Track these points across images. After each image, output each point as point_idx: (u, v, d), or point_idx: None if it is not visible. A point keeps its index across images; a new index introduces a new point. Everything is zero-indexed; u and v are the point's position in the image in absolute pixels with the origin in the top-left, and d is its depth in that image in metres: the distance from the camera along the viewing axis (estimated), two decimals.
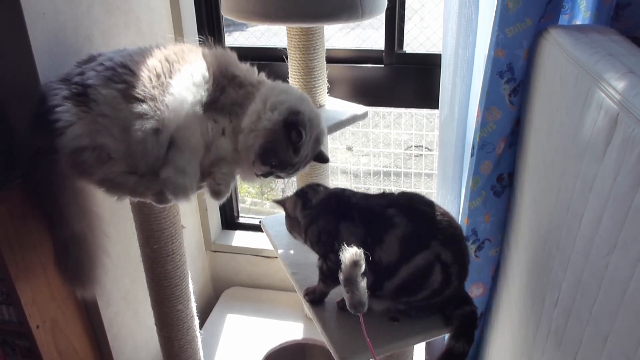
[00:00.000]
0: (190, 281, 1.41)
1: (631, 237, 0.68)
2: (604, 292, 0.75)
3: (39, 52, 1.16)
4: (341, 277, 0.95)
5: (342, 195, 1.14)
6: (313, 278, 1.23)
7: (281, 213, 1.28)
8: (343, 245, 0.94)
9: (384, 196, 1.12)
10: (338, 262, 0.95)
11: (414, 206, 1.08)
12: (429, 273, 1.03)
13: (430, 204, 1.09)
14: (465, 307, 1.08)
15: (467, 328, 1.07)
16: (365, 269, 0.94)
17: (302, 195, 1.18)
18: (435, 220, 1.07)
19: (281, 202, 1.22)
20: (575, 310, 0.85)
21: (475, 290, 1.48)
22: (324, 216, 1.11)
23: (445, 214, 1.09)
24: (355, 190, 1.16)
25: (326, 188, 1.18)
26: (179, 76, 1.11)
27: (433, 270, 1.03)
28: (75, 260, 1.16)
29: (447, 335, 1.11)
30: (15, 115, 1.24)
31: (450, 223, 1.07)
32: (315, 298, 1.16)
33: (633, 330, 0.66)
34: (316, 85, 1.48)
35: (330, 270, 1.07)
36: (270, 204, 3.16)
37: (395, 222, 1.04)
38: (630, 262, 0.68)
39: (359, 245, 1.00)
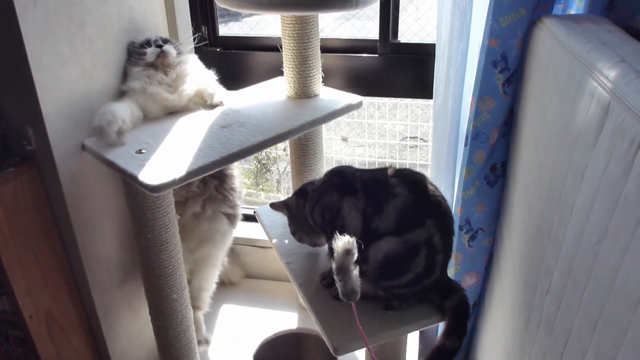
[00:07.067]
0: (184, 270, 1.41)
1: (621, 226, 0.69)
2: (593, 280, 0.76)
3: (30, 40, 1.15)
4: (333, 265, 0.95)
5: (344, 171, 1.13)
6: (308, 267, 1.24)
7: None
8: (335, 233, 0.95)
9: (387, 169, 1.11)
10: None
11: (417, 180, 1.08)
12: (414, 254, 1.03)
13: (432, 184, 1.09)
14: (454, 296, 1.08)
15: (460, 322, 1.07)
16: (358, 257, 0.94)
17: (302, 192, 1.19)
18: (434, 200, 1.06)
19: (283, 204, 1.23)
20: (565, 298, 0.86)
21: (468, 280, 1.48)
22: (327, 193, 1.11)
23: (444, 199, 1.09)
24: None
25: (320, 178, 1.18)
26: None
27: (419, 253, 1.03)
28: None
29: (441, 325, 1.12)
30: (7, 103, 1.23)
31: (446, 211, 1.07)
32: (332, 281, 1.16)
33: (621, 317, 0.67)
34: (311, 75, 1.48)
35: None
36: (265, 194, 3.16)
37: (396, 192, 1.05)
38: (619, 250, 0.68)
39: (358, 221, 1.00)
